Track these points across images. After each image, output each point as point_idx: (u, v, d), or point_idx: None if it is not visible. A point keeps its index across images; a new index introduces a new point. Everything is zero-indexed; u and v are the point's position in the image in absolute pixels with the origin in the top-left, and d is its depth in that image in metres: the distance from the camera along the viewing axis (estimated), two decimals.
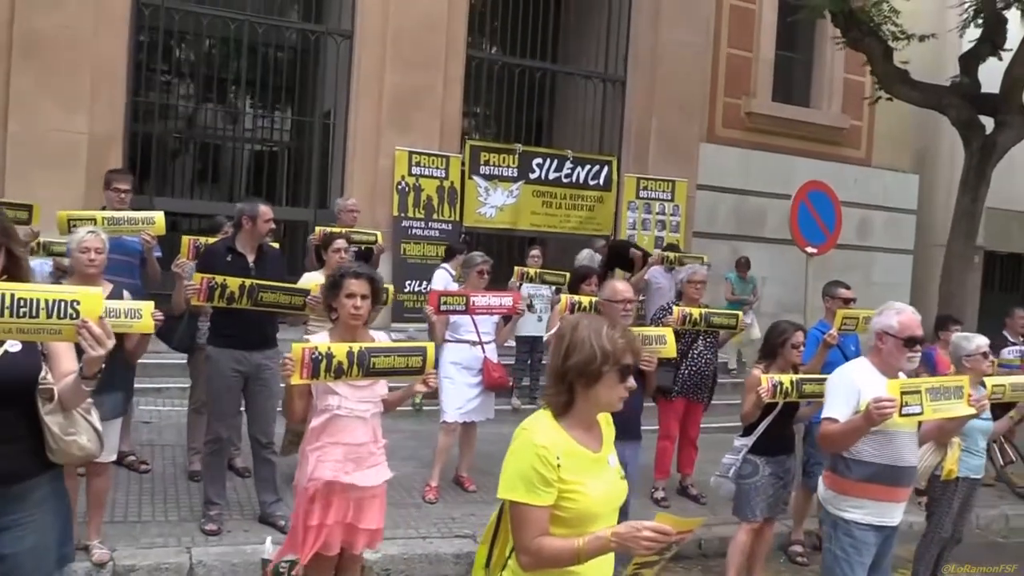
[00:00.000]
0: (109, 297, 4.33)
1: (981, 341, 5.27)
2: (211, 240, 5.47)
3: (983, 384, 4.85)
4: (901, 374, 3.92)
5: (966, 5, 8.40)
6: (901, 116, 12.67)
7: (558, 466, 2.23)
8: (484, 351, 6.09)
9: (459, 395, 6.06)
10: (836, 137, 12.95)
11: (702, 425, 6.84)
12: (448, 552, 5.19)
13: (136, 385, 7.18)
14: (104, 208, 5.55)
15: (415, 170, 9.99)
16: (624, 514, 2.63)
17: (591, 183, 11.24)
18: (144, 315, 4.25)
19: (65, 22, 8.21)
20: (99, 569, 4.37)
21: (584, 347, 2.28)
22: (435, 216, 10.17)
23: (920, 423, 3.91)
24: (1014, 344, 8.21)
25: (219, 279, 4.58)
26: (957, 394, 3.85)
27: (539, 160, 10.94)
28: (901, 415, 3.55)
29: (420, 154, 9.97)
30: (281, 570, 3.85)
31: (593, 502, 2.26)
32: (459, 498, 6.11)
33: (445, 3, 9.97)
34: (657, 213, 11.43)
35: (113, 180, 5.56)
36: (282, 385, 3.70)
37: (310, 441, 3.65)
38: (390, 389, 3.80)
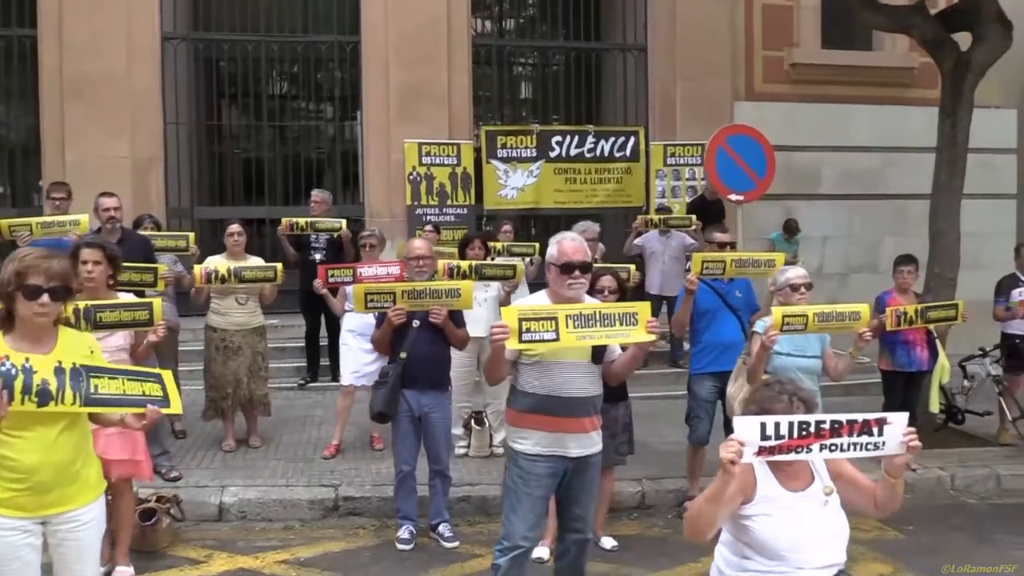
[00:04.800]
0: None
1: (793, 273, 4.96)
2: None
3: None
4: (591, 299, 3.96)
5: None
6: None
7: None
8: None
9: (354, 360, 6.55)
10: (905, 79, 11.81)
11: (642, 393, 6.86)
12: (304, 498, 5.71)
13: None
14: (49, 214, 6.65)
15: (425, 160, 10.53)
16: None
17: (617, 155, 11.18)
18: None
19: (103, 63, 9.66)
20: None
21: (2, 274, 2.81)
22: (449, 202, 10.65)
23: (600, 355, 3.88)
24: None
25: None
26: (627, 320, 3.77)
27: (558, 138, 11.06)
28: (522, 341, 3.59)
29: (428, 144, 10.51)
30: None
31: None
32: (359, 455, 6.58)
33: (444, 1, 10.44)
34: (687, 179, 11.14)
35: (51, 191, 6.67)
36: None
37: None
38: None
